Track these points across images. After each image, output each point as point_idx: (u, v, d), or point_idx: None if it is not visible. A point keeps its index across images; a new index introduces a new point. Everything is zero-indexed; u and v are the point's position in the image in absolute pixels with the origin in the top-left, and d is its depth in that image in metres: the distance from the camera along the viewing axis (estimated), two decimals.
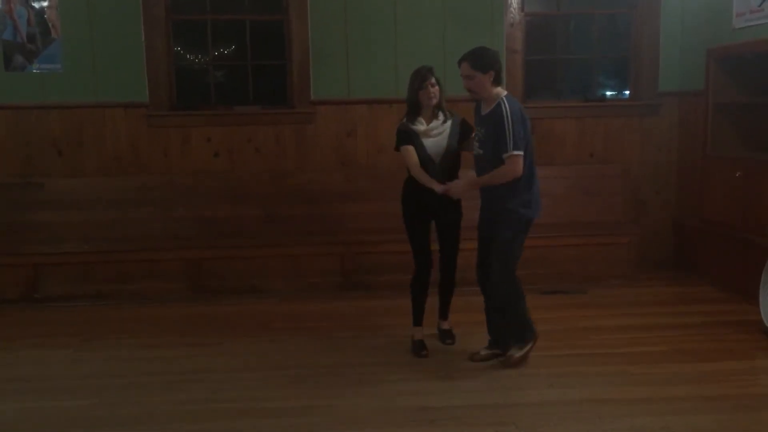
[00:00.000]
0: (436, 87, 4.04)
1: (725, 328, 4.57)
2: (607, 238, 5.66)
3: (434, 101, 4.05)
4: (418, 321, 4.31)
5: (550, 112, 6.10)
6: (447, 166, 4.11)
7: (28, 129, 5.77)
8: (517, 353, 3.97)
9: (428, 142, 4.08)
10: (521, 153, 3.69)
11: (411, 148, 4.08)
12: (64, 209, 5.65)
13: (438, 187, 3.95)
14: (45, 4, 5.65)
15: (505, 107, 3.69)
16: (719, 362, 4.01)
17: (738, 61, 5.31)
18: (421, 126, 4.09)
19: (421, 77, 4.03)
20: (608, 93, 6.70)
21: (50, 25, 5.68)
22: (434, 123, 4.10)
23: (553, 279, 5.51)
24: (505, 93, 3.81)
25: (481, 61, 3.75)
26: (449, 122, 4.13)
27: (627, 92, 6.39)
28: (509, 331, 4.03)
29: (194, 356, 4.26)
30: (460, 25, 5.87)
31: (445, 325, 4.46)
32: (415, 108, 4.09)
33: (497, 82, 3.80)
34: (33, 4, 5.64)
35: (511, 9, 5.95)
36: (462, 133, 4.14)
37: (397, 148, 4.18)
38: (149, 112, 5.83)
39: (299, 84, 5.92)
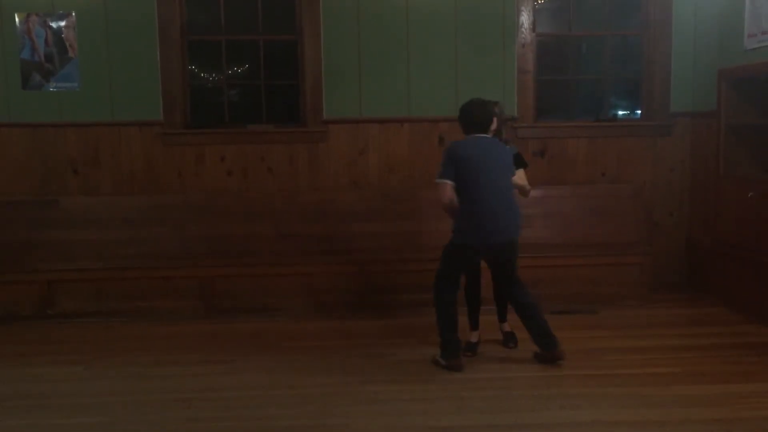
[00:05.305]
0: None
1: (739, 349, 4.53)
2: (619, 259, 5.63)
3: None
4: (472, 326, 4.61)
5: (562, 132, 6.11)
6: None
7: (44, 147, 5.84)
8: (436, 356, 4.33)
9: None
10: (441, 181, 4.18)
11: None
12: (78, 227, 5.68)
13: None
14: (63, 24, 5.75)
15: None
16: (733, 384, 3.97)
17: (749, 82, 5.31)
18: None
19: None
20: (620, 113, 6.70)
21: (68, 44, 5.77)
22: None
23: (564, 299, 5.47)
24: (461, 140, 4.29)
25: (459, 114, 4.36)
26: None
27: (639, 112, 6.39)
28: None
29: (206, 374, 4.27)
30: (472, 46, 5.91)
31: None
32: None
33: (465, 132, 4.31)
34: (51, 24, 5.73)
35: (523, 30, 5.99)
36: (516, 164, 4.42)
37: None
38: (164, 130, 5.89)
39: (312, 103, 5.97)
